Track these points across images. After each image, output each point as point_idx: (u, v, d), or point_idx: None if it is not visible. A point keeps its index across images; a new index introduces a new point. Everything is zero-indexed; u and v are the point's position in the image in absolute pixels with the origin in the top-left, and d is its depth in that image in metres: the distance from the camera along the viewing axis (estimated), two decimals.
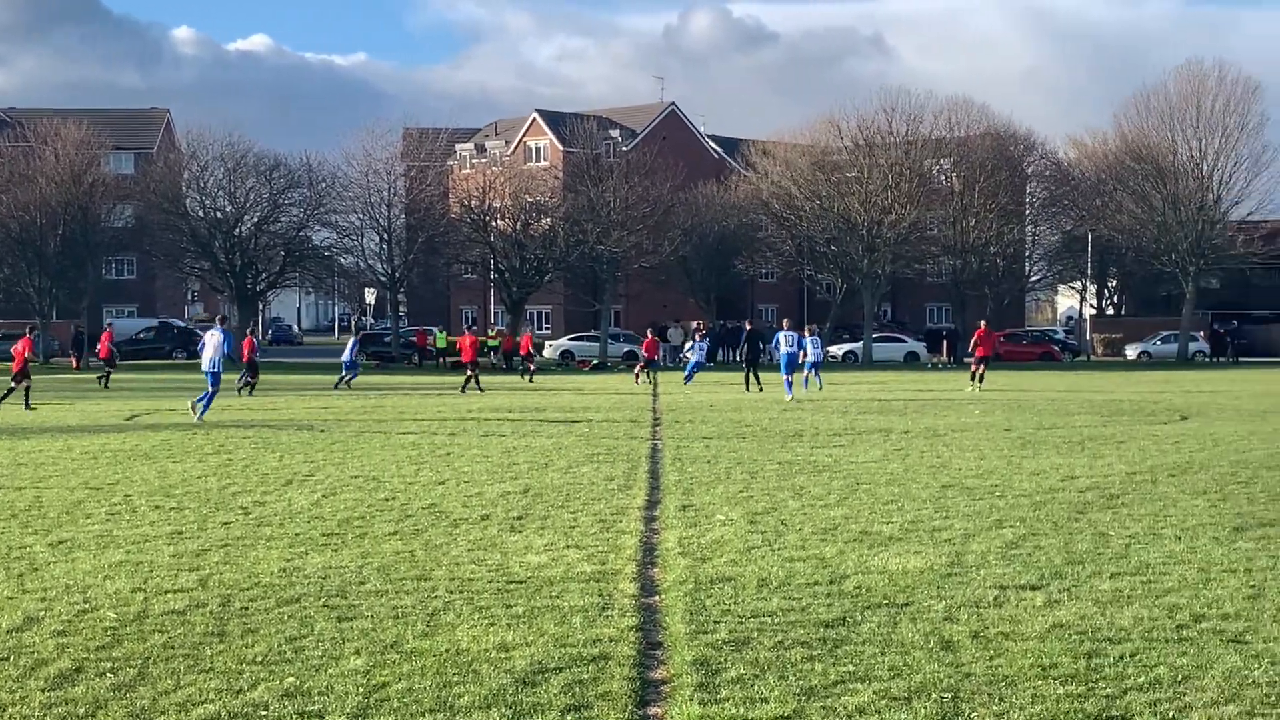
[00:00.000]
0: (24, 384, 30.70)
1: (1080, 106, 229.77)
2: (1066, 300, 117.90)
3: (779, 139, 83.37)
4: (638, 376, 43.94)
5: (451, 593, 9.70)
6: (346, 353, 42.22)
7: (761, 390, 37.73)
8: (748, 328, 43.03)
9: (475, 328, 63.10)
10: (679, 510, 13.64)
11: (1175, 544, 11.59)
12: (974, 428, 24.20)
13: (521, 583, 10.04)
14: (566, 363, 69.81)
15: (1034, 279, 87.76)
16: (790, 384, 34.53)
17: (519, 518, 13.19)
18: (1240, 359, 72.55)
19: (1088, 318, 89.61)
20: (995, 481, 15.92)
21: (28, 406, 30.11)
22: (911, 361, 71.19)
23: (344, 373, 41.86)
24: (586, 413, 28.83)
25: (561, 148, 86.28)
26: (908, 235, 74.53)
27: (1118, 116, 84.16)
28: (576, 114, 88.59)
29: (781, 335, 36.60)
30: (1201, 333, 78.51)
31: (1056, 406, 30.97)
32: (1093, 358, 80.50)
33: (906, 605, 9.26)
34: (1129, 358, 78.19)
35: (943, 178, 78.84)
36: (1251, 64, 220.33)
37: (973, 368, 41.33)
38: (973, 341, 42.53)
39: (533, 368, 51.56)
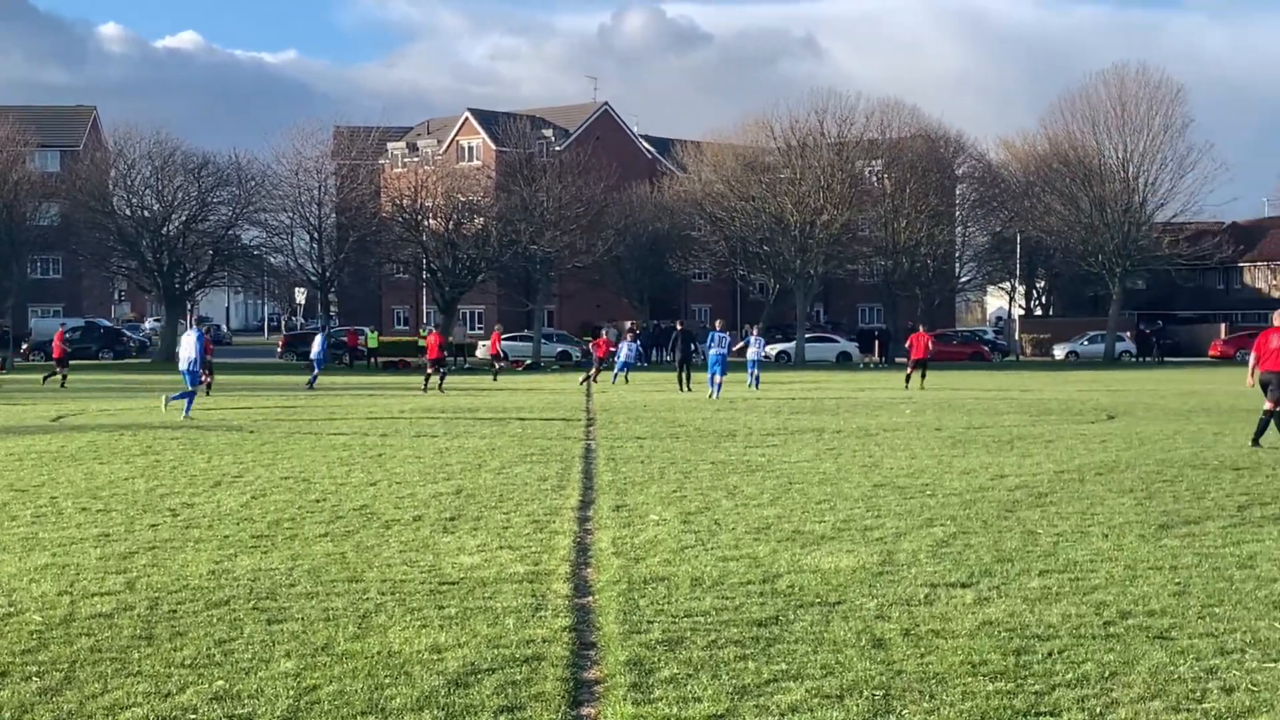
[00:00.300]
0: None
1: (1011, 109, 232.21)
2: (996, 301, 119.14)
3: (712, 139, 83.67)
4: (594, 378, 43.93)
5: (383, 594, 9.65)
6: (316, 348, 42.07)
7: (691, 390, 38.09)
8: (679, 328, 43.23)
9: (440, 326, 62.91)
10: (612, 510, 13.64)
11: (1102, 542, 11.74)
12: (905, 427, 24.38)
13: (454, 584, 10.00)
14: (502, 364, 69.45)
15: (964, 280, 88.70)
16: (714, 383, 35.42)
17: (452, 519, 13.14)
18: (1165, 359, 73.68)
19: (1016, 318, 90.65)
20: (926, 480, 16.05)
21: None
22: (844, 361, 71.65)
23: (315, 370, 41.84)
24: (520, 413, 28.76)
25: (494, 147, 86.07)
26: (840, 236, 75.03)
27: (1045, 119, 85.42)
28: (509, 113, 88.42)
29: (714, 335, 37.79)
30: (1128, 333, 79.65)
31: (986, 406, 31.28)
32: (1021, 358, 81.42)
33: (839, 604, 9.32)
34: (1057, 357, 79.18)
35: (874, 179, 79.48)
36: (1177, 67, 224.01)
37: (908, 370, 41.74)
38: (907, 344, 43.04)
39: (499, 366, 52.03)
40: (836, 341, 76.06)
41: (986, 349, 78.61)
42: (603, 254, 74.44)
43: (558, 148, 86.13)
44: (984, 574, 10.34)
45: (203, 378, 32.42)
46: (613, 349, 47.58)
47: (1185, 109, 78.18)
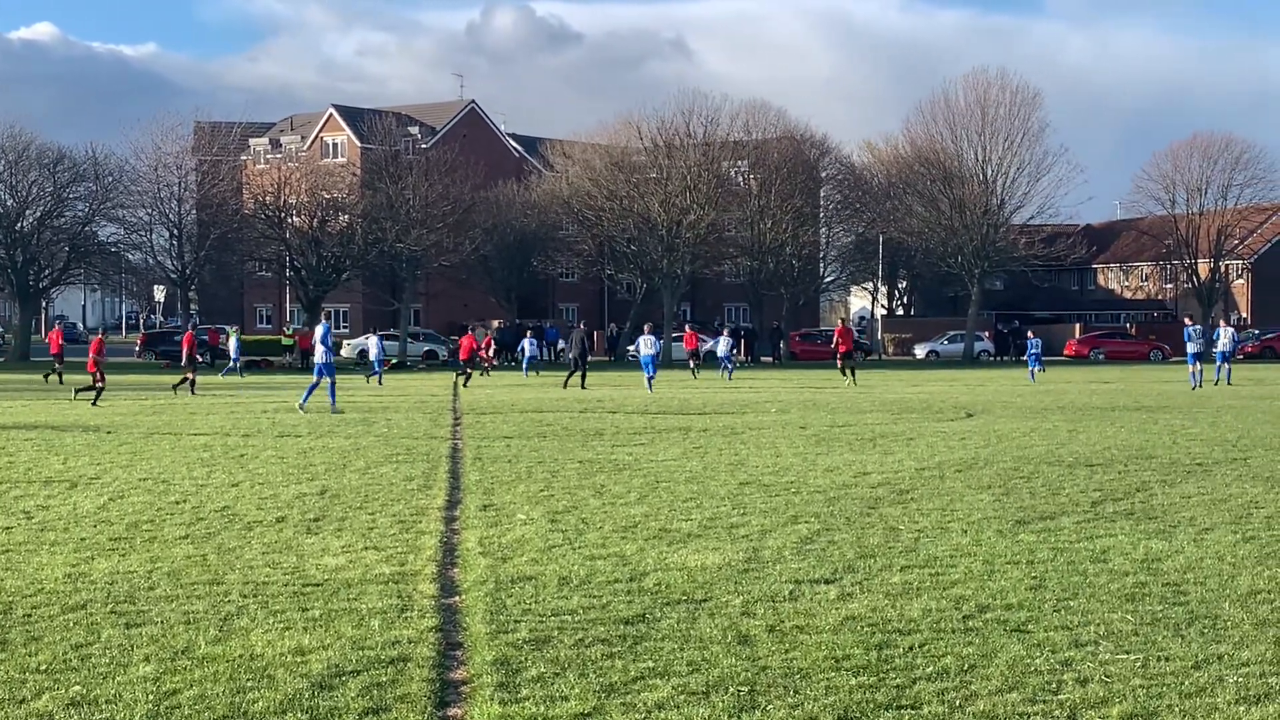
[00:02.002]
0: None
1: (880, 113, 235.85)
2: (859, 300, 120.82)
3: (579, 139, 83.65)
4: (466, 379, 44.21)
5: (245, 597, 9.51)
6: (374, 350, 44.85)
7: (584, 387, 39.58)
8: (580, 327, 44.72)
9: (477, 327, 62.41)
10: (479, 510, 13.59)
11: (962, 537, 11.98)
12: (770, 426, 24.63)
13: (318, 585, 9.89)
14: (364, 362, 68.83)
15: (828, 279, 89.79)
16: (652, 381, 38.97)
17: (316, 519, 12.99)
18: (1022, 358, 75.23)
19: (879, 318, 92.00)
20: (791, 478, 16.24)
21: None
22: (711, 361, 72.09)
23: (376, 369, 44.49)
24: (385, 413, 28.50)
25: (359, 144, 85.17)
26: (706, 236, 75.46)
27: (908, 122, 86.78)
28: (375, 110, 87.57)
29: (643, 339, 41.73)
30: (986, 333, 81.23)
31: (849, 404, 31.72)
32: (884, 356, 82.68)
33: (705, 601, 9.39)
34: (918, 356, 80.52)
35: (740, 180, 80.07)
36: (1038, 73, 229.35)
37: (840, 364, 43.71)
38: (834, 340, 45.34)
39: (488, 366, 52.29)
40: (704, 341, 76.46)
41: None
42: (470, 253, 74.05)
43: (424, 145, 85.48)
44: (847, 570, 10.49)
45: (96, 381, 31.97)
46: (477, 349, 47.85)
47: (1043, 114, 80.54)
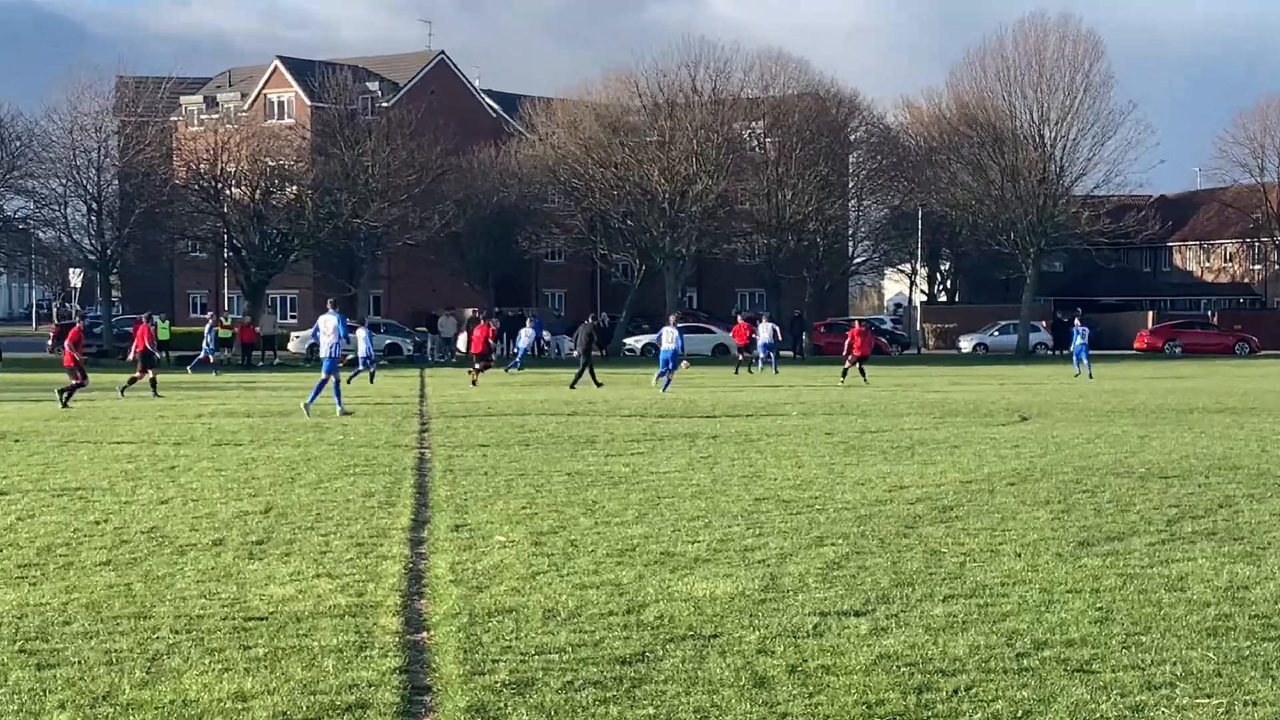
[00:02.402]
0: None
1: (919, 65, 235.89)
2: (894, 285, 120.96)
3: (567, 96, 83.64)
4: (479, 372, 44.26)
5: (177, 633, 9.51)
6: (363, 345, 44.37)
7: (600, 385, 40.36)
8: (590, 321, 45.47)
9: (490, 317, 62.16)
10: (451, 531, 13.60)
11: (1015, 561, 11.99)
12: (791, 432, 24.64)
13: (263, 620, 9.89)
14: (314, 357, 68.81)
15: (858, 260, 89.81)
16: (667, 379, 39.85)
17: (259, 542, 12.99)
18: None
19: (918, 305, 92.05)
20: (815, 493, 16.25)
21: None
22: (721, 356, 72.14)
23: (368, 365, 44.59)
24: (340, 417, 28.50)
25: (309, 102, 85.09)
26: (715, 209, 75.51)
27: (952, 76, 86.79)
28: (328, 62, 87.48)
29: (665, 331, 42.37)
30: (1043, 322, 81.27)
31: (883, 407, 31.73)
32: (924, 350, 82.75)
33: (715, 637, 9.39)
34: (963, 350, 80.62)
35: (755, 144, 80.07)
36: (1097, 15, 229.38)
37: (846, 365, 44.06)
38: (846, 342, 45.60)
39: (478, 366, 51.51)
40: (712, 332, 76.50)
41: (884, 340, 79.71)
42: (439, 229, 73.98)
43: (385, 104, 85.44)
44: (881, 600, 10.49)
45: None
46: (449, 340, 48.15)
47: (1106, 64, 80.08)
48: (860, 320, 49.42)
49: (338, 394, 29.31)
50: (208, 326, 55.10)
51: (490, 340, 46.43)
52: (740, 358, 54.29)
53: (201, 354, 53.96)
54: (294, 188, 74.03)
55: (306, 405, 28.94)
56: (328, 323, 29.75)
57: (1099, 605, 10.33)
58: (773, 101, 78.93)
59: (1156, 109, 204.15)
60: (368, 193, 71.38)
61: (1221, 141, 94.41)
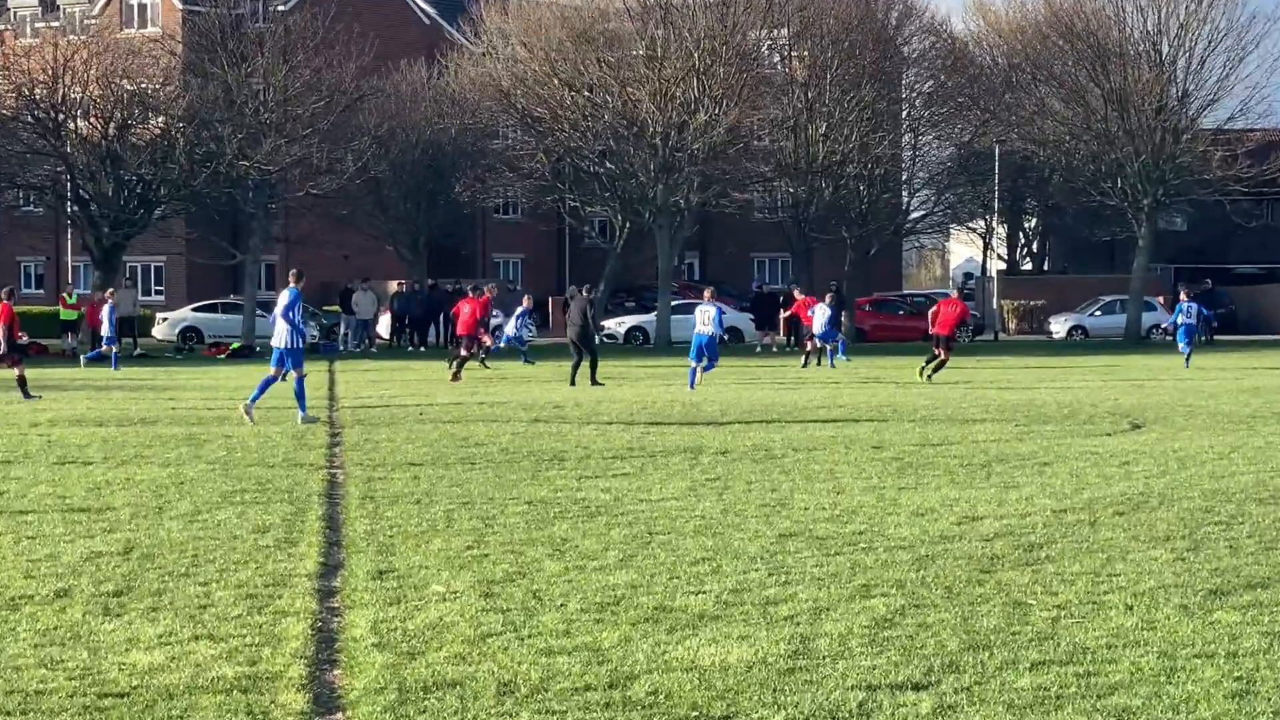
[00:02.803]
0: None
1: None
2: (964, 249, 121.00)
3: None
4: (459, 366, 45.23)
5: (9, 714, 9.50)
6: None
7: (599, 383, 41.01)
8: (584, 293, 45.84)
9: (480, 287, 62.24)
10: (373, 578, 13.59)
11: (1125, 617, 12.01)
12: (827, 445, 24.63)
13: (122, 697, 9.88)
14: (190, 346, 68.81)
15: (915, 215, 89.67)
16: (694, 372, 40.82)
17: (117, 594, 12.98)
18: (1217, 336, 75.39)
19: (994, 275, 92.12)
20: (859, 527, 16.26)
21: None
22: (733, 342, 72.15)
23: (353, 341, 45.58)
24: (224, 425, 28.45)
25: (181, 5, 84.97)
26: (724, 147, 75.38)
27: None
28: None
29: (700, 310, 43.35)
30: (1161, 298, 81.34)
31: (950, 410, 31.74)
32: (1003, 335, 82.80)
33: (728, 719, 9.40)
34: (1056, 335, 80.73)
35: (778, 59, 79.98)
36: None
37: (937, 352, 43.66)
38: (931, 314, 45.64)
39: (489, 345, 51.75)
40: (720, 310, 76.45)
41: None
42: (353, 175, 73.80)
43: (282, 7, 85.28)
44: (948, 669, 10.51)
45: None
46: (367, 321, 48.37)
47: None
48: (959, 287, 48.90)
49: (300, 394, 29.66)
50: (108, 306, 54.90)
51: (481, 321, 47.06)
52: (809, 347, 54.32)
53: (104, 344, 54.13)
54: (160, 120, 73.73)
55: (248, 406, 29.23)
56: (281, 300, 30.34)
57: (1237, 674, 10.35)
58: (800, 1, 78.83)
59: None
60: (258, 126, 71.09)
61: None
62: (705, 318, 42.50)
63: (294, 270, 32.14)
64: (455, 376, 43.51)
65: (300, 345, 29.84)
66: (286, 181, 73.99)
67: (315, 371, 47.03)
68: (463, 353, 45.50)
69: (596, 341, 45.12)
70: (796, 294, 61.11)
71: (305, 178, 73.49)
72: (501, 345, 52.81)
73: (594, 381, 41.24)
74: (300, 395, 29.56)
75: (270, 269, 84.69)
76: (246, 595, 12.91)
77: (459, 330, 47.70)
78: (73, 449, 24.38)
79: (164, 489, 19.37)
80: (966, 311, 45.90)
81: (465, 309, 46.96)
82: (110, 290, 57.28)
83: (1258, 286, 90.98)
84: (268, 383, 29.72)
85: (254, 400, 29.40)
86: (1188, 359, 50.04)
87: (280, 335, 29.74)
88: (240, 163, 70.64)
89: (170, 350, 66.12)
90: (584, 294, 45.13)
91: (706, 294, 45.94)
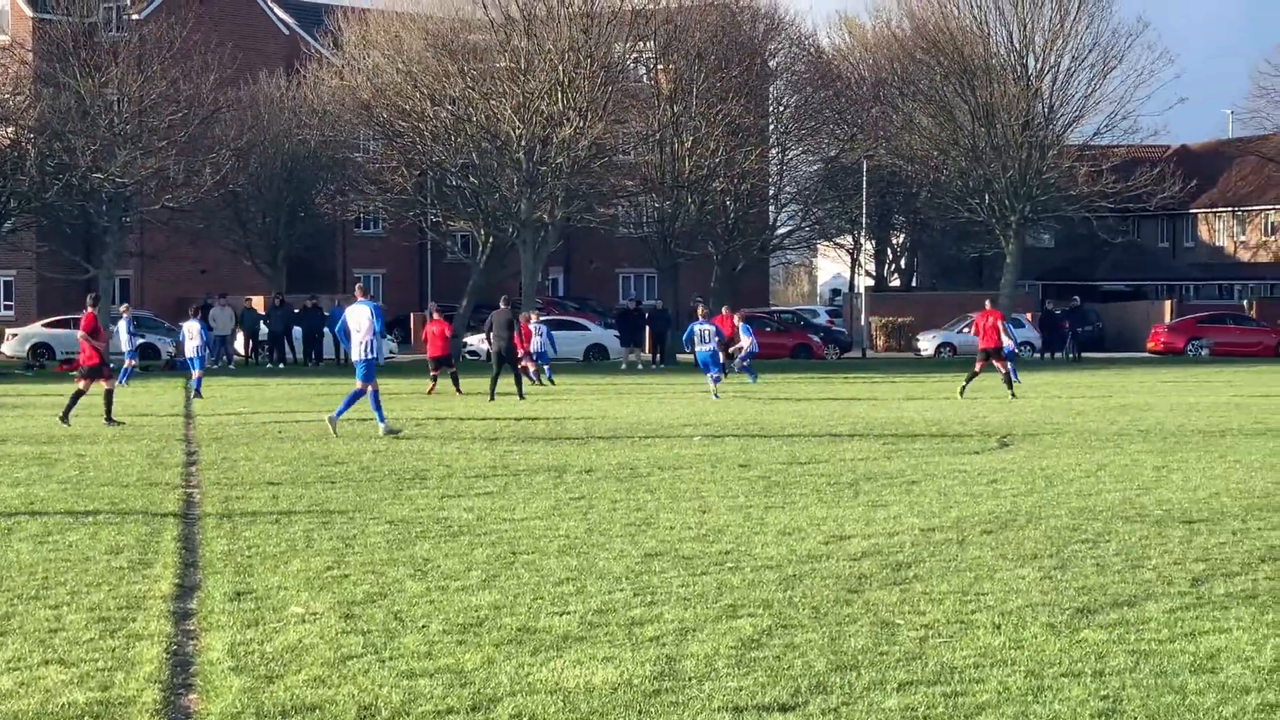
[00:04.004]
0: None
1: None
2: (831, 265, 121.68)
3: (387, 6, 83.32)
4: (434, 383, 46.08)
5: None
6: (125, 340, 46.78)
7: (496, 399, 41.33)
8: (502, 305, 45.13)
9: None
10: (230, 600, 13.50)
11: (992, 636, 12.10)
12: (693, 463, 24.68)
13: None
14: (41, 363, 68.05)
15: (782, 231, 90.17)
16: (716, 379, 44.59)
17: None
18: (1085, 354, 76.20)
19: (863, 292, 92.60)
20: (726, 546, 16.29)
21: None
22: (597, 359, 72.22)
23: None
24: (76, 444, 28.19)
25: (30, 13, 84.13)
26: (588, 162, 75.43)
27: None
28: None
29: (700, 328, 46.08)
30: (1028, 315, 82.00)
31: (817, 428, 31.87)
32: (871, 352, 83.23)
33: None
34: (924, 353, 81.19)
35: (644, 72, 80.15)
36: None
37: (976, 366, 43.91)
38: (978, 329, 45.29)
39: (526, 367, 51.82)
40: (585, 329, 76.56)
41: (817, 339, 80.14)
42: (211, 187, 73.37)
43: (137, 16, 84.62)
44: (815, 690, 10.55)
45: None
46: (224, 338, 48.03)
47: None
48: (990, 299, 48.15)
49: (377, 405, 30.43)
50: (123, 322, 52.09)
51: (448, 338, 47.38)
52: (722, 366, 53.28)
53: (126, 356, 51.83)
54: (9, 130, 73.01)
55: (332, 419, 30.28)
56: (361, 316, 30.77)
57: (1104, 693, 10.45)
58: (666, 15, 79.04)
59: (1176, 31, 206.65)
60: (112, 137, 70.57)
61: (1262, 74, 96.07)
62: (706, 334, 45.56)
63: (360, 284, 33.11)
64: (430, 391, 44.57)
65: (378, 357, 30.64)
66: (142, 194, 73.47)
67: (169, 390, 46.72)
68: (439, 374, 45.83)
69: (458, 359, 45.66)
70: (725, 310, 59.87)
71: (161, 190, 73.00)
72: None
73: (520, 395, 42.02)
74: (351, 400, 30.41)
75: (125, 284, 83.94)
76: (99, 618, 12.78)
77: (431, 352, 46.78)
78: None
79: (12, 509, 19.16)
80: (1001, 316, 45.82)
81: (433, 329, 46.70)
82: (125, 306, 55.53)
83: (1124, 303, 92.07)
84: (355, 396, 30.39)
85: (340, 414, 30.31)
86: (1015, 377, 50.07)
87: (359, 348, 30.51)
88: (94, 175, 70.10)
89: (19, 367, 65.31)
90: (504, 307, 45.04)
91: (700, 311, 49.12)
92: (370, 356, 30.48)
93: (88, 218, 74.65)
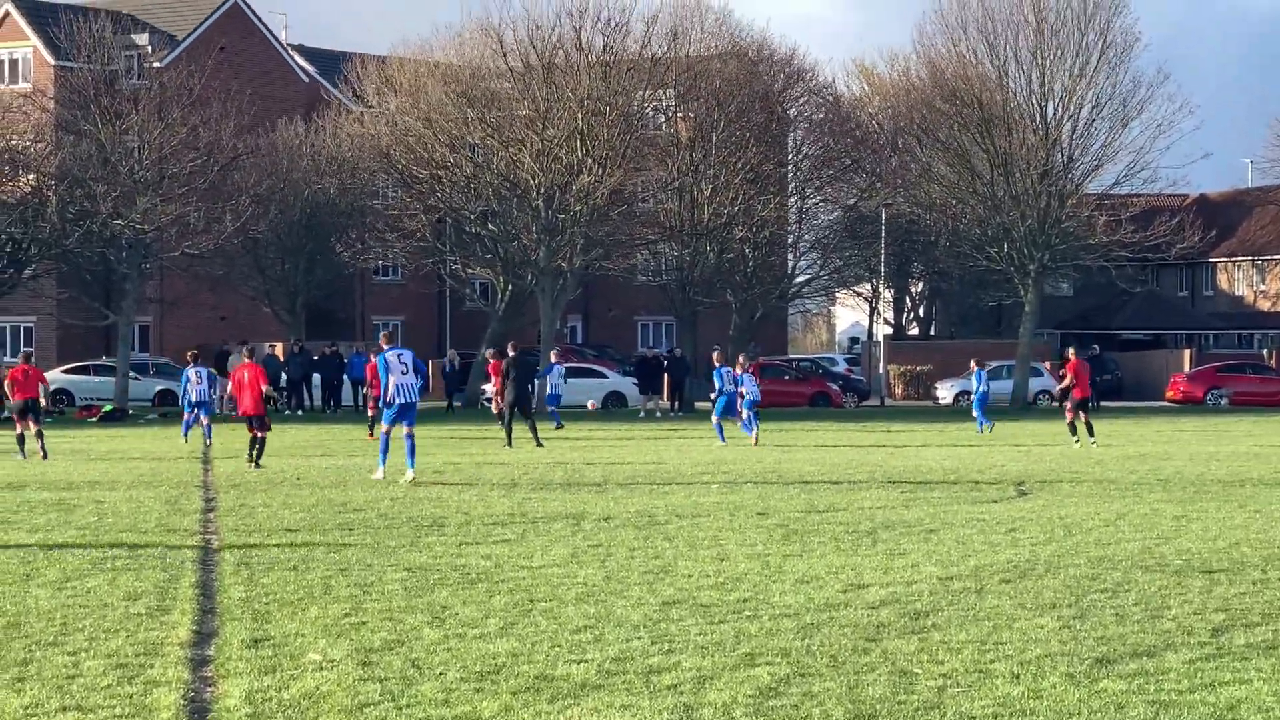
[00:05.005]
0: None
1: (879, 17, 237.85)
2: (850, 314, 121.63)
3: (407, 54, 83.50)
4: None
5: None
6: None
7: (540, 445, 41.70)
8: (511, 353, 45.25)
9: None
10: (248, 646, 13.49)
11: (1011, 686, 12.06)
12: (711, 511, 24.64)
13: None
14: (61, 409, 68.13)
15: (801, 279, 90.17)
16: (721, 428, 45.13)
17: None
18: (1103, 402, 76.02)
19: (881, 340, 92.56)
20: (744, 594, 16.26)
21: None
22: (616, 406, 72.19)
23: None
24: (95, 490, 28.20)
25: (53, 61, 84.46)
26: (607, 209, 75.52)
27: (921, 31, 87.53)
28: (79, 6, 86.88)
29: (724, 372, 46.95)
30: (1047, 364, 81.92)
31: (836, 476, 31.83)
32: (890, 401, 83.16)
33: None
34: (942, 401, 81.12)
35: (663, 121, 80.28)
36: None
37: (1069, 416, 43.57)
38: (1064, 379, 45.33)
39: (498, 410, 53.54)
40: (604, 376, 76.56)
41: (836, 388, 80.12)
42: (230, 234, 73.51)
43: (158, 64, 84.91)
44: None
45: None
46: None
47: (1131, 18, 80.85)
48: (1074, 351, 47.99)
49: (385, 450, 31.19)
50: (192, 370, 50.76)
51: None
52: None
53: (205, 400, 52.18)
54: (31, 177, 73.22)
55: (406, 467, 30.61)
56: (402, 359, 31.38)
57: None
58: (685, 63, 79.20)
59: (1197, 80, 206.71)
60: (133, 184, 70.71)
61: None
62: (728, 378, 46.31)
63: (386, 331, 33.96)
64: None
65: (401, 401, 30.89)
66: (162, 241, 73.55)
67: (193, 436, 46.75)
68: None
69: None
70: (718, 357, 60.20)
71: (181, 237, 73.08)
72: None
73: (538, 442, 42.24)
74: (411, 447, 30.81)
75: (144, 330, 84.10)
76: (117, 665, 12.77)
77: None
78: None
79: (31, 556, 19.17)
80: (1089, 371, 46.14)
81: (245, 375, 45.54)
82: (193, 353, 55.12)
83: (1143, 352, 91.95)
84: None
85: (413, 464, 30.65)
86: (983, 426, 51.65)
87: (402, 391, 30.86)
88: (114, 222, 70.25)
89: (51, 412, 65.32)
90: (513, 353, 45.28)
91: (717, 357, 49.94)
92: (408, 400, 31.03)
93: (108, 264, 74.78)
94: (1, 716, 11.10)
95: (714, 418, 46.17)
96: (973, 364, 56.17)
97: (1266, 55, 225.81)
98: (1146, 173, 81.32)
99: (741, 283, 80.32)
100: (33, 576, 17.48)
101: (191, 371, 46.24)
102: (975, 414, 53.03)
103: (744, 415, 48.00)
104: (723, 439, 44.57)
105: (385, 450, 31.03)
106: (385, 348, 31.79)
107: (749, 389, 48.48)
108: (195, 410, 45.53)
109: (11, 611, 15.22)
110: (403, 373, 30.90)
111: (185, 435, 45.30)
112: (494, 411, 52.19)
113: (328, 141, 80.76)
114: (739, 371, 47.34)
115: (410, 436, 30.64)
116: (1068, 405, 44.13)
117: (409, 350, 32.27)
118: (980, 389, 53.60)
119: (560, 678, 12.34)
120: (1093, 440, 42.61)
